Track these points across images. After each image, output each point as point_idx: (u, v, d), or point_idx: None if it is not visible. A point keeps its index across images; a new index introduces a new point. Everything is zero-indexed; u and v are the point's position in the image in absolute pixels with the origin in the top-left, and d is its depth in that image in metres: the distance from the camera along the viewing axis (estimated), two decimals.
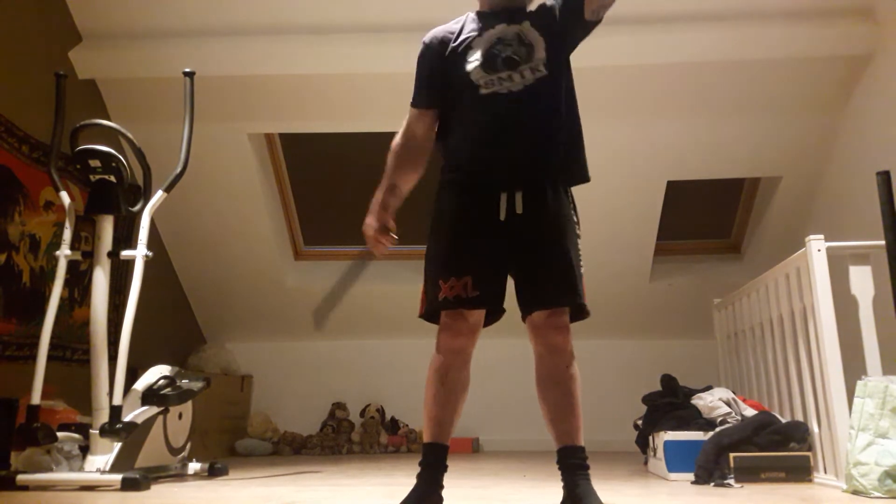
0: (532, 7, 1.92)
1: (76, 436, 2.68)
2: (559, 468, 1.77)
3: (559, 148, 1.82)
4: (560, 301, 1.76)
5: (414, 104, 1.94)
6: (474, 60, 1.82)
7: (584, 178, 1.87)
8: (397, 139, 1.95)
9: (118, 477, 2.43)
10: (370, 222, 1.86)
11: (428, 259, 1.84)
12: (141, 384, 2.85)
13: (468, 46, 1.84)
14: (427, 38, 1.93)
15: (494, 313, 1.83)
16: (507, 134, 1.80)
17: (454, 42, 1.87)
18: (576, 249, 1.81)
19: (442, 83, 1.88)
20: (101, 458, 2.56)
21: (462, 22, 1.91)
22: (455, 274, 1.75)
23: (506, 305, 1.83)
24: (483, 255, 1.77)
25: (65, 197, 2.85)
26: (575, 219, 1.86)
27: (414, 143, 1.93)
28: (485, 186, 1.80)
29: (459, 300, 1.74)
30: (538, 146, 1.80)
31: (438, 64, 1.89)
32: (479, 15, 1.91)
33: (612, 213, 4.24)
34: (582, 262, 1.82)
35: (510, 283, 1.82)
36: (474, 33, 1.86)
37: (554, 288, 1.76)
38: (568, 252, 1.78)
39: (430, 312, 1.81)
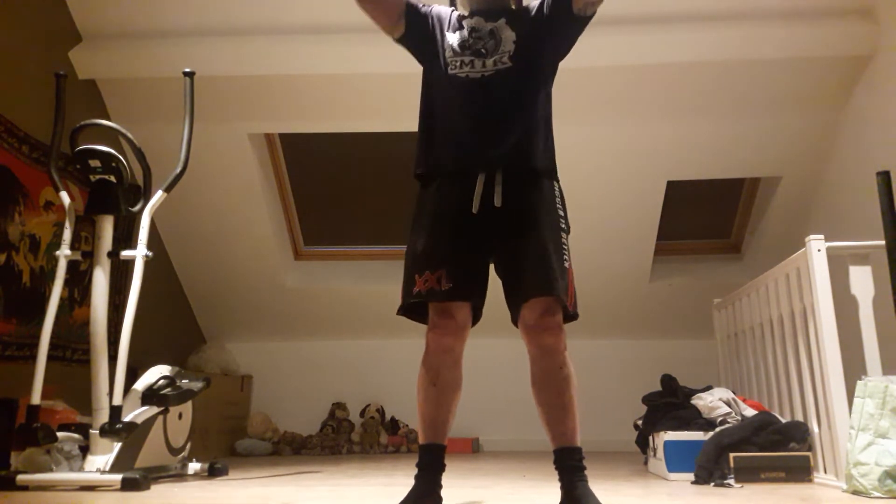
0: (514, 6, 1.96)
1: (76, 436, 2.68)
2: (556, 469, 1.77)
3: (514, 138, 1.82)
4: (534, 292, 1.73)
5: None
6: (450, 43, 1.90)
7: (544, 170, 1.85)
8: None
9: (118, 477, 2.43)
10: None
11: (406, 255, 1.86)
12: (141, 384, 2.85)
13: (450, 30, 1.93)
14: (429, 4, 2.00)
15: (476, 309, 1.83)
16: (465, 117, 1.83)
17: (439, 19, 1.96)
18: (557, 242, 1.79)
19: (425, 31, 1.95)
20: (101, 458, 2.56)
21: (448, 13, 1.99)
22: (430, 268, 1.77)
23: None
24: (458, 249, 1.78)
25: (65, 197, 2.85)
26: (561, 213, 1.85)
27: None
28: (447, 167, 1.84)
29: (433, 293, 1.75)
30: (491, 133, 1.82)
31: (425, 20, 1.96)
32: (462, 16, 1.98)
33: (612, 213, 4.24)
34: (567, 257, 1.80)
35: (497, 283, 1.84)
36: (456, 20, 1.94)
37: (529, 279, 1.74)
38: (544, 244, 1.76)
39: (405, 307, 1.83)
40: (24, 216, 3.30)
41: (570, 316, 1.80)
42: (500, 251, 1.81)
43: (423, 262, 1.79)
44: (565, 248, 1.81)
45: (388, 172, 4.54)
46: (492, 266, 1.88)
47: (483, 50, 1.86)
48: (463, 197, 1.80)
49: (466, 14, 1.95)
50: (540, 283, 1.73)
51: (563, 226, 1.84)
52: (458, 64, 1.87)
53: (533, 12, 1.91)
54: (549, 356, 1.77)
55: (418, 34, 1.96)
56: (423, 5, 1.99)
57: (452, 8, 2.02)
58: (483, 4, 1.93)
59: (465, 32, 1.90)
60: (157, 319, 4.12)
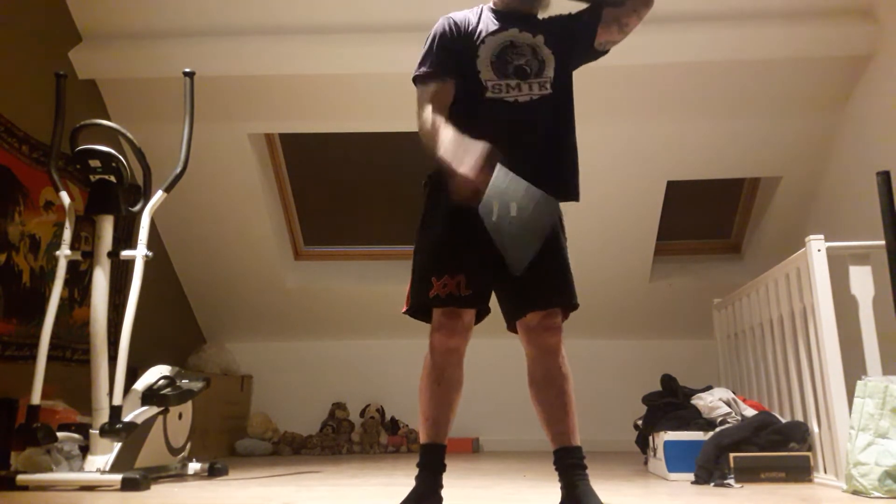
0: (544, 15, 1.91)
1: (76, 436, 2.68)
2: (556, 469, 1.77)
3: (554, 165, 1.82)
4: (557, 301, 1.78)
5: (434, 75, 1.82)
6: (486, 59, 1.82)
7: (574, 197, 1.86)
8: (430, 116, 1.78)
9: (118, 477, 2.43)
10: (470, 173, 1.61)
11: (418, 254, 1.83)
12: (141, 384, 2.85)
13: (482, 41, 1.84)
14: (446, 18, 1.89)
15: (481, 314, 1.84)
16: (506, 143, 1.75)
17: (469, 31, 1.86)
18: (566, 251, 1.85)
19: (455, 63, 1.84)
20: (101, 458, 2.56)
21: (478, 14, 1.90)
22: (449, 272, 1.75)
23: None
24: (476, 255, 1.77)
25: (65, 197, 2.85)
26: (561, 224, 1.89)
27: (445, 114, 1.80)
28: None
29: (452, 298, 1.74)
30: (533, 161, 1.78)
31: (454, 45, 1.85)
32: (494, 13, 1.91)
33: (612, 213, 4.24)
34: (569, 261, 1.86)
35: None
36: (490, 30, 1.85)
37: (552, 289, 1.78)
38: (564, 256, 1.82)
39: (418, 308, 1.81)
40: (24, 216, 3.30)
41: (572, 307, 1.83)
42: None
43: (443, 265, 1.76)
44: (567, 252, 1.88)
45: (388, 172, 4.54)
46: None
47: (527, 68, 1.81)
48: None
49: (496, 8, 1.90)
50: (562, 294, 1.79)
51: (565, 236, 1.90)
52: (501, 88, 1.79)
53: (561, 33, 1.87)
54: (550, 356, 1.78)
55: (454, 68, 1.84)
56: (444, 36, 1.86)
57: (479, 8, 1.93)
58: (516, 3, 1.88)
59: (504, 46, 1.82)
60: (157, 319, 4.12)
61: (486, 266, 1.78)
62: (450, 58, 1.84)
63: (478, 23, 1.88)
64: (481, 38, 1.85)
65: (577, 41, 1.87)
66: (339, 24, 3.67)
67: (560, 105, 1.85)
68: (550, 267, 1.78)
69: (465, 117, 1.80)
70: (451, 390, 1.81)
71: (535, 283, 1.77)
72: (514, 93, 1.80)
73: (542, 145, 1.82)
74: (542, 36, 1.85)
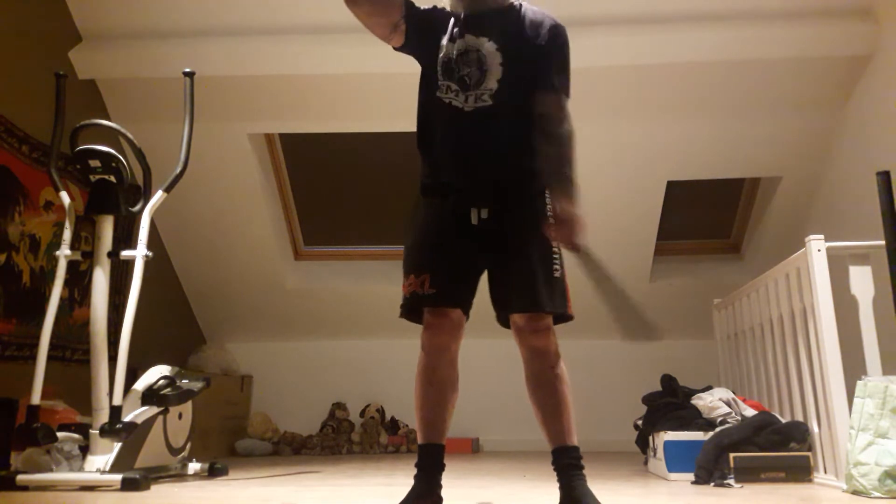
0: (511, 9, 1.88)
1: (76, 436, 2.68)
2: (554, 469, 1.78)
3: (498, 166, 1.82)
4: (518, 309, 1.78)
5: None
6: (441, 61, 1.84)
7: (532, 188, 1.83)
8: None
9: (118, 477, 2.43)
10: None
11: (403, 259, 1.88)
12: (141, 384, 2.85)
13: (442, 45, 1.86)
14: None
15: (465, 312, 1.85)
16: (450, 143, 1.83)
17: (442, 22, 1.90)
18: (545, 255, 1.79)
19: (424, 37, 1.88)
20: (101, 458, 2.56)
21: (447, 14, 1.91)
22: (415, 272, 1.79)
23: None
24: (445, 255, 1.80)
25: (65, 197, 2.85)
26: (552, 222, 1.81)
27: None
28: (445, 192, 1.84)
29: (416, 297, 1.77)
30: (475, 160, 1.81)
31: (429, 23, 1.89)
32: (455, 16, 1.90)
33: (612, 213, 4.24)
34: (558, 265, 1.80)
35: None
36: (449, 33, 1.87)
37: (514, 296, 1.78)
38: (530, 258, 1.77)
39: (401, 309, 1.85)
40: (24, 216, 3.30)
41: (567, 317, 1.83)
42: (489, 264, 1.84)
43: (412, 266, 1.82)
44: (556, 256, 1.81)
45: (388, 172, 4.53)
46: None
47: (466, 79, 1.81)
48: (453, 208, 1.82)
49: (459, 13, 1.88)
50: (524, 301, 1.77)
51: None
52: (444, 88, 1.82)
53: (519, 39, 1.83)
54: (540, 358, 1.79)
55: (417, 41, 1.88)
56: (423, 6, 1.92)
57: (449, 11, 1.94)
58: (474, 6, 1.86)
59: (456, 51, 1.83)
60: (157, 319, 4.12)
61: (457, 266, 1.80)
62: (423, 24, 1.87)
63: (448, 22, 1.89)
64: (442, 40, 1.86)
65: (538, 62, 1.83)
66: (339, 24, 3.66)
67: (503, 114, 1.80)
68: (515, 271, 1.78)
69: (425, 108, 1.88)
70: (444, 390, 1.82)
71: (504, 291, 1.81)
72: (451, 96, 1.81)
73: (485, 149, 1.81)
74: (493, 43, 1.82)
